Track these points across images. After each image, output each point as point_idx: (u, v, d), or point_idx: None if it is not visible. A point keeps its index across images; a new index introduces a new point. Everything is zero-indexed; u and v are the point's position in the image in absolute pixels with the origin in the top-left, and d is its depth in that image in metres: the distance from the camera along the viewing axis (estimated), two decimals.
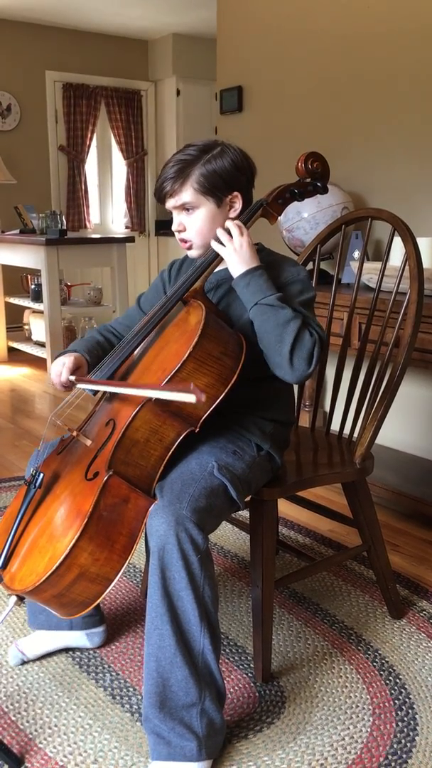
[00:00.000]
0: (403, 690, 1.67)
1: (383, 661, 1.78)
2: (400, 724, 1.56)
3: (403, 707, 1.61)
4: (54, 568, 1.28)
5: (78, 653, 1.80)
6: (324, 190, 1.63)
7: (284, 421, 1.68)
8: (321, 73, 3.24)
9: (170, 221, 1.60)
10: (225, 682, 1.50)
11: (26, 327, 5.55)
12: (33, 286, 5.02)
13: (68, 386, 1.59)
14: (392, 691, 1.67)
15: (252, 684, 1.70)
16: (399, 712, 1.60)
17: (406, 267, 1.81)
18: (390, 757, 1.47)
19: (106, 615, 1.96)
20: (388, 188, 3.01)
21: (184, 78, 6.42)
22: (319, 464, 1.84)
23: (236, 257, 1.49)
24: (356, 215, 2.01)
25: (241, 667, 1.76)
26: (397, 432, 3.03)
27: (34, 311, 5.29)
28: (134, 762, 1.46)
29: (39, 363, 5.20)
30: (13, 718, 1.59)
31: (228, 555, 2.31)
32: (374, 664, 1.77)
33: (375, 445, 2.69)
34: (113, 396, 1.51)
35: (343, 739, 1.52)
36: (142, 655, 1.79)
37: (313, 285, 1.76)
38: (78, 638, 1.79)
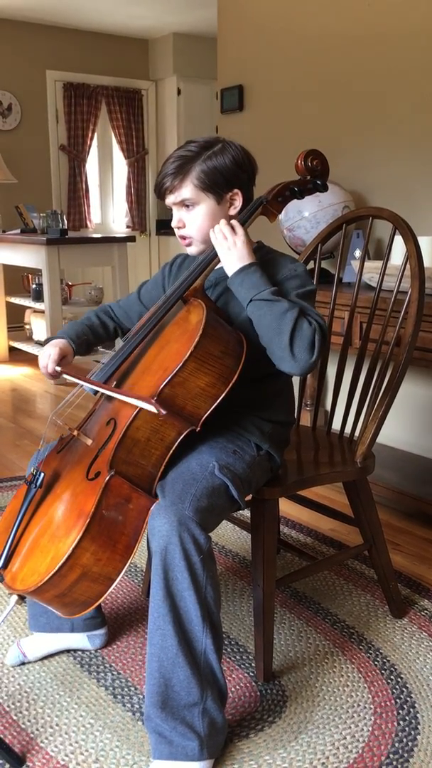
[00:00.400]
0: (404, 689, 1.67)
1: (384, 660, 1.78)
2: (401, 723, 1.56)
3: (405, 706, 1.61)
4: (56, 568, 1.28)
5: (79, 653, 1.80)
6: (324, 188, 1.63)
7: (284, 421, 1.68)
8: (322, 72, 3.24)
9: (171, 221, 1.60)
10: (226, 681, 1.50)
11: (27, 326, 5.55)
12: (34, 286, 5.02)
13: (56, 376, 1.62)
14: (393, 690, 1.67)
15: (253, 683, 1.70)
16: (400, 711, 1.60)
17: (407, 266, 1.81)
18: (391, 756, 1.47)
19: (108, 614, 1.96)
20: (389, 187, 3.00)
21: (185, 77, 6.42)
22: (321, 463, 1.84)
23: (230, 255, 1.48)
24: (357, 214, 2.00)
25: (242, 666, 1.76)
26: (398, 431, 3.02)
27: (35, 311, 5.29)
28: (136, 761, 1.46)
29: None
30: (15, 718, 1.59)
31: (229, 554, 2.31)
32: (375, 663, 1.77)
33: (376, 444, 2.69)
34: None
35: (345, 738, 1.52)
36: (144, 655, 1.79)
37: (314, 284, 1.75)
38: (79, 640, 1.79)
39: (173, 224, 1.58)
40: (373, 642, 1.85)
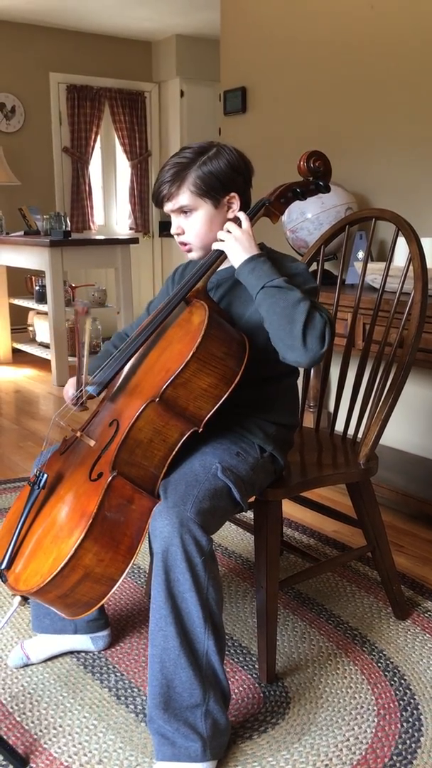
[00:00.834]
0: (407, 691, 1.67)
1: (388, 662, 1.77)
2: (404, 725, 1.56)
3: (408, 708, 1.61)
4: (59, 569, 1.28)
5: (82, 654, 1.81)
6: (326, 189, 1.63)
7: (288, 423, 1.67)
8: (324, 74, 3.24)
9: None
10: (229, 682, 1.50)
11: (30, 328, 5.56)
12: (37, 288, 5.03)
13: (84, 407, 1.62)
14: (397, 692, 1.66)
15: (257, 684, 1.70)
16: (404, 713, 1.59)
17: (410, 267, 1.81)
18: (395, 758, 1.47)
19: (111, 615, 1.96)
20: (392, 188, 3.00)
21: (188, 79, 6.43)
22: (324, 465, 1.84)
23: (237, 246, 1.48)
24: (360, 216, 2.00)
25: (245, 667, 1.76)
26: (401, 432, 3.02)
27: (39, 312, 5.30)
28: (139, 762, 1.46)
29: (43, 364, 5.21)
30: (18, 719, 1.59)
31: (232, 556, 2.31)
32: (379, 664, 1.76)
33: (379, 445, 2.69)
34: (116, 396, 1.51)
35: (348, 740, 1.51)
36: (147, 656, 1.78)
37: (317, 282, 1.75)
38: (82, 642, 1.79)
39: (172, 231, 1.59)
40: (377, 644, 1.85)
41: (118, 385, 1.53)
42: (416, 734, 1.53)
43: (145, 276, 6.78)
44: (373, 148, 3.06)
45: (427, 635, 1.88)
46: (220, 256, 1.52)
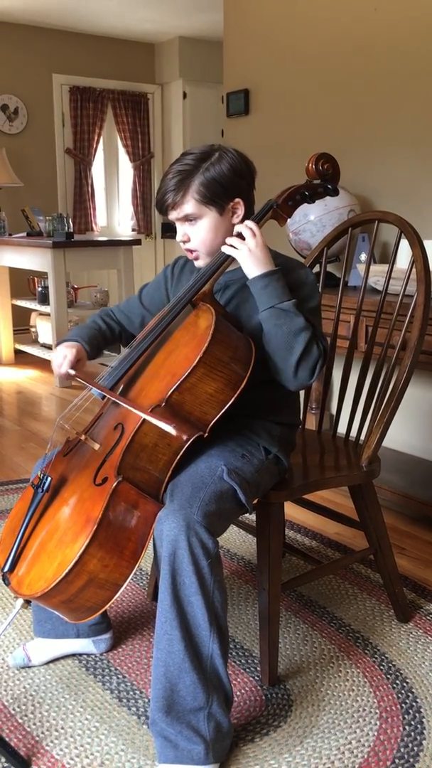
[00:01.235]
0: (410, 694, 1.67)
1: (390, 665, 1.77)
2: (407, 728, 1.56)
3: (410, 711, 1.61)
4: (63, 574, 1.28)
5: (85, 656, 1.81)
6: (335, 192, 1.62)
7: (291, 423, 1.68)
8: (328, 76, 3.24)
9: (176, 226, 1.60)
10: (232, 685, 1.50)
11: (33, 329, 5.57)
12: (40, 289, 5.03)
13: (69, 378, 1.63)
14: (399, 695, 1.66)
15: (259, 687, 1.70)
16: (406, 716, 1.59)
17: (413, 270, 1.80)
18: (397, 761, 1.46)
19: (113, 618, 1.96)
20: (395, 191, 3.00)
21: (191, 81, 6.43)
22: (326, 467, 1.84)
23: (252, 259, 1.48)
24: (363, 218, 2.00)
25: (247, 670, 1.76)
26: (404, 435, 3.02)
27: (41, 314, 5.30)
28: (141, 765, 1.46)
29: (45, 365, 5.21)
30: (20, 721, 1.59)
31: (234, 558, 2.31)
32: (381, 667, 1.76)
33: (382, 447, 2.69)
34: None
35: (350, 743, 1.51)
36: (149, 658, 1.79)
37: (320, 288, 1.76)
38: (85, 645, 1.79)
39: (178, 239, 1.58)
40: (379, 646, 1.85)
41: (123, 388, 1.53)
42: (418, 737, 1.53)
43: (147, 277, 6.78)
44: (376, 150, 3.06)
45: (430, 638, 1.88)
46: (227, 259, 1.51)
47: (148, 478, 1.39)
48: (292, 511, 2.53)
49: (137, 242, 5.02)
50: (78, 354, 1.65)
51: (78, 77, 6.17)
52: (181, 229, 1.56)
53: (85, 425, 1.60)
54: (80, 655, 1.81)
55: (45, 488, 1.44)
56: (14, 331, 5.49)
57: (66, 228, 4.84)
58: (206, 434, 1.41)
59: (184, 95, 6.45)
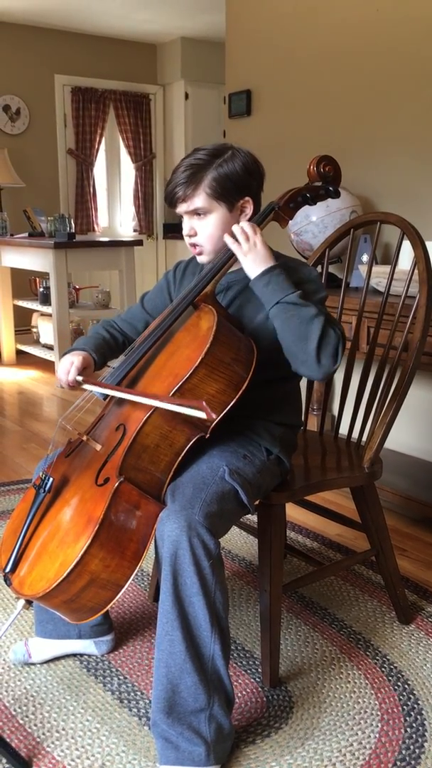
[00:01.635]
0: (411, 696, 1.66)
1: (392, 667, 1.77)
2: (408, 730, 1.55)
3: (412, 713, 1.61)
4: (65, 574, 1.28)
5: (85, 657, 1.80)
6: (336, 194, 1.62)
7: (293, 424, 1.68)
8: (330, 77, 3.24)
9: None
10: (233, 686, 1.50)
11: (34, 330, 5.57)
12: (41, 289, 5.03)
13: (75, 386, 1.59)
14: (401, 697, 1.66)
15: (260, 689, 1.70)
16: (407, 718, 1.59)
17: (415, 271, 1.80)
18: (398, 763, 1.46)
19: (114, 618, 1.95)
20: (397, 192, 3.00)
21: (193, 82, 6.43)
22: (328, 468, 1.83)
23: (251, 256, 1.47)
24: (365, 219, 2.00)
25: (249, 671, 1.76)
26: (406, 436, 3.02)
27: (43, 314, 5.30)
28: (142, 766, 1.46)
29: (47, 366, 5.21)
30: (21, 722, 1.59)
31: (236, 559, 2.31)
32: (382, 669, 1.76)
33: (384, 449, 2.68)
34: (123, 400, 1.51)
35: (351, 745, 1.51)
36: (150, 659, 1.79)
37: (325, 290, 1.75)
38: (86, 646, 1.79)
39: (184, 232, 1.56)
40: (380, 648, 1.84)
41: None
42: (420, 739, 1.53)
43: (149, 278, 6.78)
44: (377, 151, 3.06)
45: (431, 640, 1.88)
46: (229, 260, 1.51)
47: (150, 478, 1.39)
48: (293, 512, 2.53)
49: (139, 243, 5.02)
50: (85, 362, 1.63)
51: (80, 78, 6.18)
52: (189, 222, 1.55)
53: (87, 426, 1.60)
54: (81, 655, 1.81)
55: (47, 489, 1.44)
56: (16, 331, 5.49)
57: (68, 228, 4.85)
58: (207, 435, 1.41)
59: (186, 96, 6.45)
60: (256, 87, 3.66)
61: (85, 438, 1.53)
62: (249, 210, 1.55)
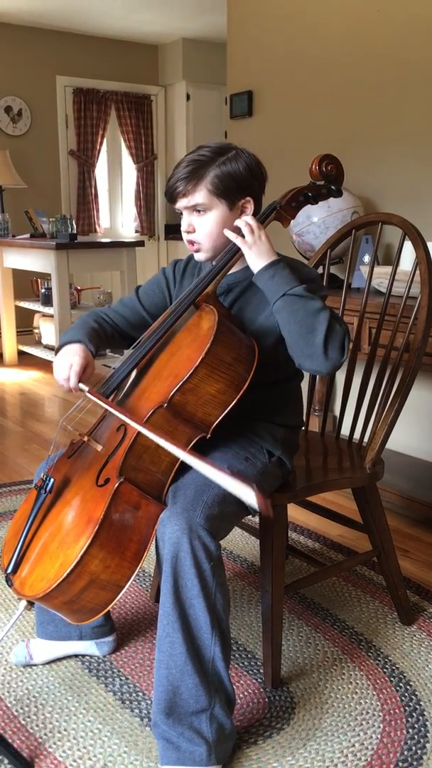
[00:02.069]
0: (413, 696, 1.66)
1: (393, 668, 1.77)
2: (410, 731, 1.55)
3: (414, 714, 1.60)
4: (65, 575, 1.28)
5: (87, 658, 1.80)
6: (338, 193, 1.62)
7: (294, 425, 1.68)
8: (331, 78, 3.24)
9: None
10: (234, 687, 1.50)
11: (36, 331, 5.57)
12: (43, 290, 5.04)
13: (76, 391, 1.52)
14: (403, 698, 1.66)
15: (262, 689, 1.70)
16: (410, 719, 1.59)
17: (417, 271, 1.80)
18: (401, 764, 1.46)
19: (115, 619, 1.95)
20: (399, 192, 3.00)
21: (194, 82, 6.43)
22: (329, 469, 1.83)
23: (256, 249, 1.46)
24: (367, 219, 2.00)
25: (250, 672, 1.76)
26: (407, 437, 3.01)
27: (44, 315, 5.30)
28: (144, 766, 1.46)
29: (49, 367, 5.21)
30: (23, 722, 1.59)
31: (237, 560, 2.31)
32: (384, 670, 1.76)
33: (385, 450, 2.68)
34: (124, 401, 1.51)
35: (353, 746, 1.51)
36: (152, 660, 1.79)
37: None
38: (87, 647, 1.79)
39: (183, 228, 1.55)
40: (382, 649, 1.84)
41: (125, 389, 1.53)
42: (422, 740, 1.52)
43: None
44: (379, 151, 3.06)
45: None
46: (231, 260, 1.51)
47: (151, 479, 1.39)
48: (295, 512, 2.53)
49: (140, 244, 5.02)
50: (85, 360, 1.53)
51: (81, 79, 6.18)
52: (188, 218, 1.54)
53: (89, 426, 1.60)
54: (83, 656, 1.81)
55: (48, 490, 1.44)
56: (17, 332, 5.49)
57: (69, 229, 4.85)
58: (209, 435, 1.41)
59: (188, 97, 6.45)
60: (258, 88, 3.67)
61: (86, 439, 1.52)
62: (249, 210, 1.54)
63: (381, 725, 1.57)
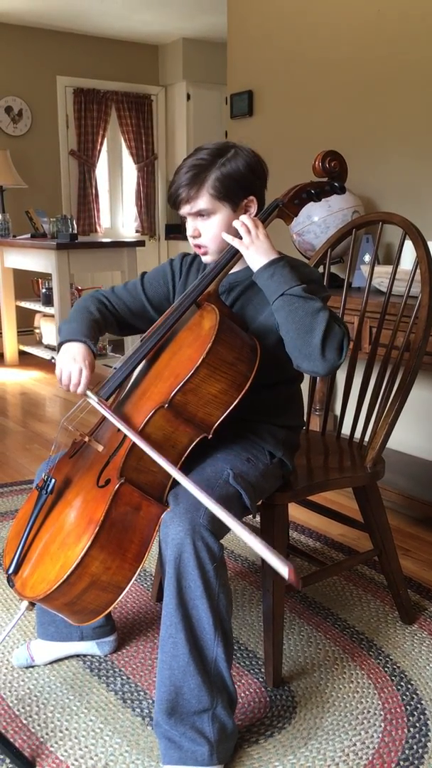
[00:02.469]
0: (414, 695, 1.66)
1: (395, 667, 1.77)
2: (411, 729, 1.55)
3: (415, 713, 1.61)
4: (65, 576, 1.28)
5: (89, 657, 1.81)
6: (341, 190, 1.60)
7: (296, 426, 1.68)
8: (331, 77, 3.24)
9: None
10: (236, 686, 1.50)
11: (37, 331, 5.57)
12: (44, 290, 5.04)
13: (81, 395, 1.50)
14: (404, 697, 1.66)
15: (263, 689, 1.70)
16: (411, 718, 1.59)
17: (417, 271, 1.80)
18: (402, 763, 1.46)
19: (117, 619, 1.96)
20: (399, 192, 3.00)
21: (195, 82, 6.43)
22: (330, 469, 1.83)
23: (254, 248, 1.45)
24: (367, 219, 2.00)
25: (252, 671, 1.76)
26: (408, 436, 3.02)
27: (45, 315, 5.31)
28: (146, 766, 1.46)
29: (49, 367, 5.21)
30: (25, 722, 1.59)
31: (239, 559, 2.31)
32: (385, 669, 1.76)
33: (386, 449, 2.68)
34: (125, 401, 1.51)
35: (355, 745, 1.51)
36: (153, 659, 1.79)
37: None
38: (88, 647, 1.79)
39: (188, 233, 1.55)
40: (383, 648, 1.84)
41: (127, 389, 1.53)
42: (423, 739, 1.53)
43: None
44: (379, 151, 3.06)
45: None
46: (232, 258, 1.50)
47: (152, 480, 1.39)
48: (296, 512, 2.53)
49: (141, 243, 5.02)
50: (92, 366, 1.52)
51: (82, 79, 6.18)
52: (192, 224, 1.53)
53: (90, 426, 1.60)
54: (84, 656, 1.81)
55: (49, 490, 1.44)
56: (18, 332, 5.50)
57: (70, 229, 4.85)
58: (210, 435, 1.41)
59: (188, 97, 6.45)
60: (258, 87, 3.67)
61: (87, 439, 1.52)
62: (253, 209, 1.53)
63: (382, 724, 1.57)
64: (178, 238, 6.57)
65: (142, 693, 1.68)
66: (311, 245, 2.95)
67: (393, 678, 1.73)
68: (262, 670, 1.75)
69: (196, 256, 1.70)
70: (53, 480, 1.45)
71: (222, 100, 5.96)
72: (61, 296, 4.61)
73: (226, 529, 1.43)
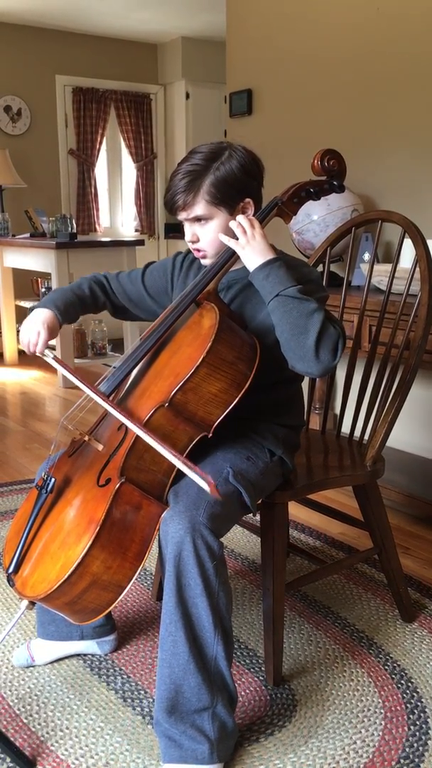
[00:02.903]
0: (415, 694, 1.66)
1: (395, 665, 1.77)
2: (412, 728, 1.56)
3: (415, 711, 1.61)
4: (66, 576, 1.28)
5: (89, 656, 1.81)
6: (341, 189, 1.60)
7: (296, 425, 1.68)
8: (331, 76, 3.24)
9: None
10: (236, 685, 1.50)
11: None
12: (43, 290, 5.04)
13: (39, 355, 1.58)
14: (404, 695, 1.66)
15: (263, 687, 1.70)
16: (411, 716, 1.59)
17: (417, 269, 1.80)
18: (402, 761, 1.46)
19: (117, 617, 1.96)
20: (399, 190, 3.00)
21: (194, 81, 6.43)
22: (330, 467, 1.83)
23: (250, 249, 1.45)
24: (367, 217, 2.00)
25: (252, 670, 1.76)
26: (408, 434, 3.02)
27: None
28: (146, 765, 1.46)
29: (49, 366, 5.19)
30: (25, 721, 1.59)
31: (239, 558, 2.31)
32: (386, 667, 1.76)
33: (386, 447, 2.68)
34: (124, 400, 1.51)
35: (355, 743, 1.51)
36: (153, 658, 1.79)
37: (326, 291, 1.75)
38: (89, 646, 1.79)
39: (187, 239, 1.55)
40: (383, 646, 1.84)
41: (126, 388, 1.53)
42: (423, 737, 1.53)
43: None
44: (379, 149, 3.06)
45: None
46: (231, 257, 1.50)
47: (152, 479, 1.39)
48: (296, 511, 2.53)
49: (140, 243, 5.02)
50: (51, 330, 1.59)
51: (81, 78, 6.18)
52: (191, 229, 1.54)
53: (90, 425, 1.60)
54: (85, 655, 1.81)
55: (49, 489, 1.44)
56: (18, 331, 5.48)
57: (69, 229, 4.85)
58: (210, 435, 1.41)
59: (187, 96, 6.45)
60: (257, 86, 3.67)
61: (87, 438, 1.52)
62: (250, 211, 1.53)
63: (382, 722, 1.57)
64: (178, 238, 6.56)
65: (142, 692, 1.68)
66: (310, 244, 2.95)
67: (393, 676, 1.73)
68: (263, 668, 1.75)
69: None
70: (53, 479, 1.45)
71: (221, 99, 5.95)
72: None
73: (226, 528, 1.43)
